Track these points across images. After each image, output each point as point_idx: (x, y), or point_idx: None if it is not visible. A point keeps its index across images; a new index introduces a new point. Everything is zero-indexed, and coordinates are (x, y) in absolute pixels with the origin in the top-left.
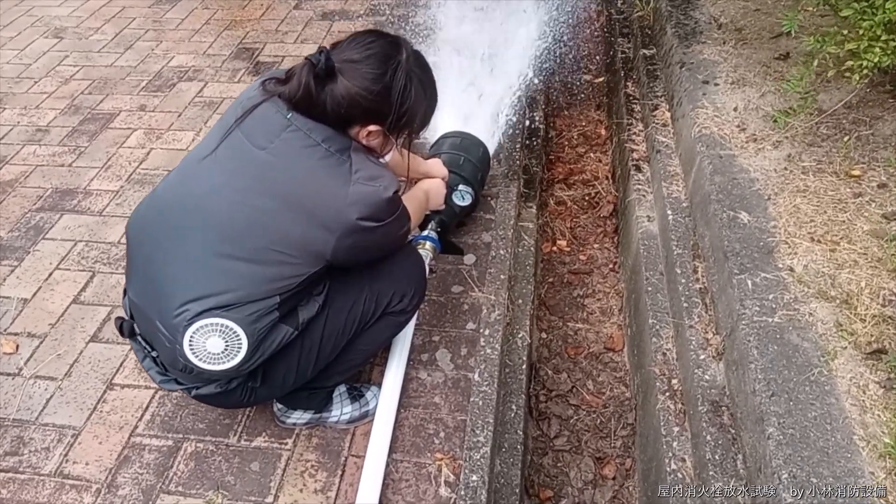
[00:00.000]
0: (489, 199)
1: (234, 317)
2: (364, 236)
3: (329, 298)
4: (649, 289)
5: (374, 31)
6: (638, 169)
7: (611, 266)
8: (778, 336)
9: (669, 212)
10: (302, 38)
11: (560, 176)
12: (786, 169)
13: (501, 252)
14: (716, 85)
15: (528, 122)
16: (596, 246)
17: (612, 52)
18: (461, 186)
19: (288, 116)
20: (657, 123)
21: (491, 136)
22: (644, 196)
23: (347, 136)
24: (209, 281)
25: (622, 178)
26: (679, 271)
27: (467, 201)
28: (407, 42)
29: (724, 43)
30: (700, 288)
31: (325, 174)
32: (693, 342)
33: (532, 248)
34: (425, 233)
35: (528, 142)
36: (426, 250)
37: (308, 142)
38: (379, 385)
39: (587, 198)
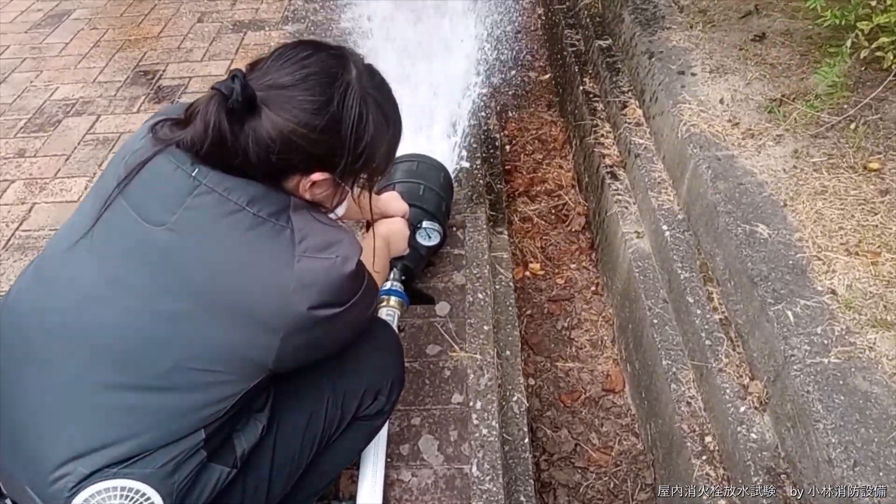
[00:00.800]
0: (454, 228)
1: (141, 473)
2: (320, 330)
3: (276, 415)
4: (654, 321)
5: (307, 41)
6: (614, 176)
7: (593, 288)
8: (841, 381)
9: (665, 227)
10: (210, 54)
11: (520, 188)
12: (795, 167)
13: (480, 296)
14: (693, 75)
15: (483, 131)
16: (573, 266)
17: (559, 47)
18: (425, 223)
19: (194, 174)
20: (629, 123)
21: (450, 151)
22: (627, 208)
23: (283, 192)
24: (99, 426)
25: (592, 186)
26: (691, 300)
27: (434, 239)
28: (354, 54)
29: (691, 27)
30: (720, 319)
31: (256, 252)
32: (727, 390)
33: (511, 284)
34: (388, 285)
35: (486, 154)
36: (392, 308)
37: (226, 207)
38: (352, 499)
39: (554, 211)
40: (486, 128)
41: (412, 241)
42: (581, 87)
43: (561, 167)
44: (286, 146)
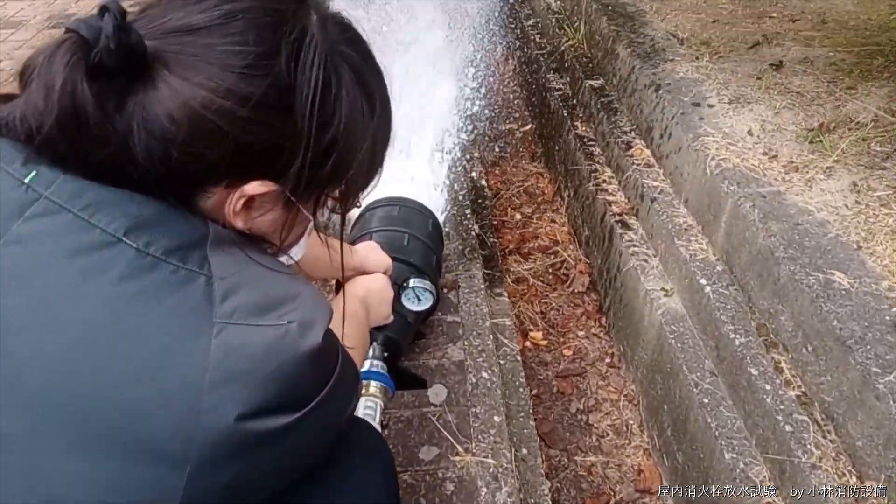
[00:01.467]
0: (444, 290)
1: None
2: (262, 456)
3: None
4: (704, 401)
5: None
6: (625, 226)
7: (608, 360)
8: None
9: (703, 280)
10: None
11: (510, 245)
12: (858, 203)
13: (485, 375)
14: (710, 106)
15: (468, 178)
16: (580, 334)
17: (541, 94)
18: (413, 281)
19: (26, 180)
20: (637, 164)
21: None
22: (647, 262)
23: (195, 216)
24: None
25: (596, 240)
26: (754, 372)
27: (425, 303)
28: None
29: (696, 58)
30: (797, 396)
31: (141, 317)
32: (828, 495)
33: (517, 358)
34: (366, 365)
35: (474, 204)
36: (372, 398)
37: (87, 238)
38: None
39: (552, 270)
40: (471, 175)
41: (397, 305)
42: (572, 133)
43: (554, 221)
44: (197, 133)
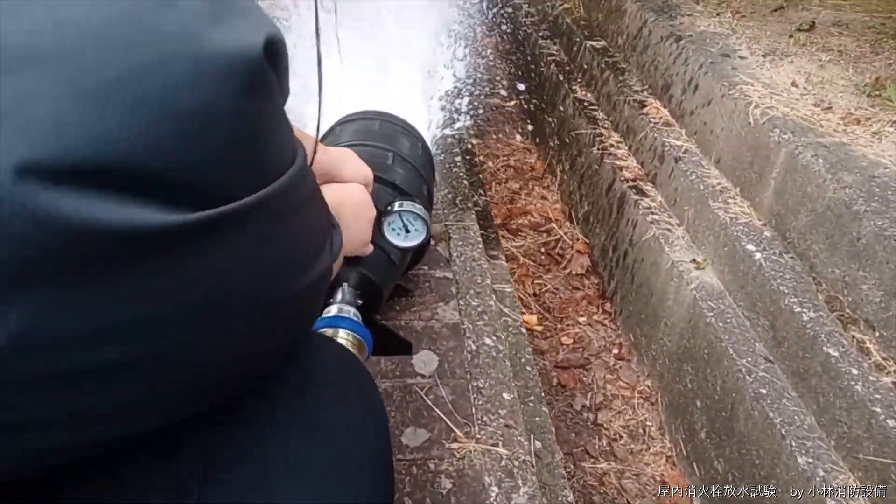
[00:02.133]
0: (431, 242)
1: None
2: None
3: None
4: (762, 391)
5: None
6: (640, 192)
7: (615, 351)
8: None
9: (751, 247)
10: None
11: (498, 220)
12: None
13: (488, 342)
14: (742, 58)
15: (456, 131)
16: (581, 320)
17: (531, 64)
18: (399, 204)
19: None
20: (655, 123)
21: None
22: (670, 231)
23: None
24: None
25: (600, 213)
26: (834, 353)
27: (416, 236)
28: None
29: (717, 15)
30: (894, 383)
31: None
32: None
33: (523, 330)
34: (333, 310)
35: (465, 159)
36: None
37: None
38: None
39: (545, 249)
40: (459, 132)
41: (377, 237)
42: (570, 98)
43: (545, 198)
44: None
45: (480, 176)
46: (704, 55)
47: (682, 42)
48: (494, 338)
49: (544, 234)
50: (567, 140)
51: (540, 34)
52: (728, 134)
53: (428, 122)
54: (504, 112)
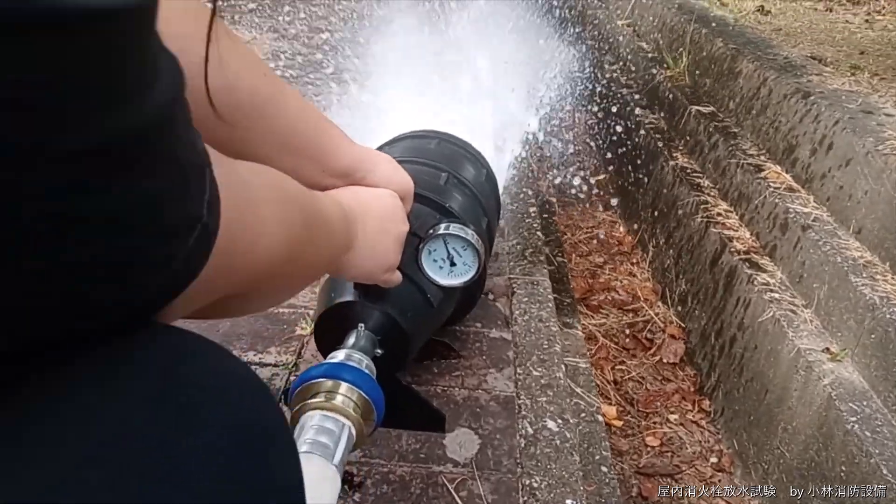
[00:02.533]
0: (489, 295)
1: None
2: None
3: None
4: None
5: None
6: (755, 267)
7: (714, 459)
8: None
9: None
10: None
11: (576, 294)
12: None
13: (552, 427)
14: (888, 115)
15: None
16: (672, 419)
17: (624, 135)
18: (446, 227)
19: None
20: (776, 188)
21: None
22: (795, 312)
23: None
24: None
25: (701, 292)
26: None
27: (464, 272)
28: None
29: (852, 74)
30: None
31: None
32: None
33: (599, 418)
34: (339, 356)
35: (542, 212)
36: (339, 417)
37: None
38: None
39: (630, 330)
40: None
41: (412, 268)
42: (669, 165)
43: (633, 275)
44: None
45: (559, 236)
46: (841, 111)
47: (812, 98)
48: (560, 421)
49: (630, 314)
50: (663, 211)
51: (636, 103)
52: (874, 198)
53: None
54: (590, 184)
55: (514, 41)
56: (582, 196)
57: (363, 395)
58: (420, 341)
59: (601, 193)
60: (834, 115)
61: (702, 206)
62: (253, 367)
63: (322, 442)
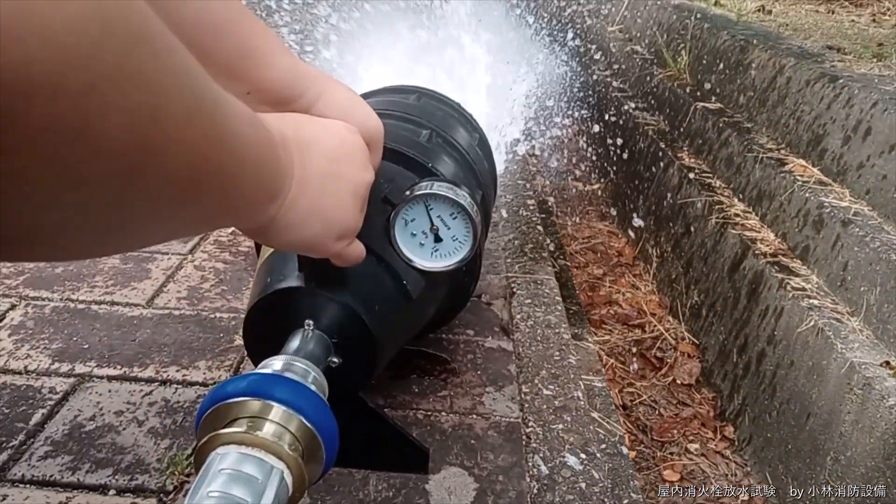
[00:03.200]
0: (482, 298)
1: None
2: None
3: None
4: None
5: None
6: (785, 270)
7: (745, 496)
8: None
9: None
10: None
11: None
12: None
13: (573, 464)
14: None
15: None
16: (692, 449)
17: (620, 141)
18: (429, 185)
19: None
20: (805, 182)
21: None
22: (840, 320)
23: None
24: None
25: (719, 303)
26: None
27: (455, 253)
28: None
29: (878, 60)
30: None
31: None
32: None
33: (623, 448)
34: (275, 365)
35: (540, 209)
36: (266, 455)
37: None
38: None
39: (638, 348)
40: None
41: (380, 243)
42: (676, 166)
43: (636, 287)
44: None
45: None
46: (878, 93)
47: (841, 82)
48: (584, 456)
49: (637, 331)
50: (668, 217)
51: (633, 106)
52: None
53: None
54: (584, 195)
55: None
56: (579, 201)
57: (305, 422)
58: (392, 347)
59: (596, 204)
60: (870, 96)
61: (716, 207)
62: (175, 388)
63: (235, 498)
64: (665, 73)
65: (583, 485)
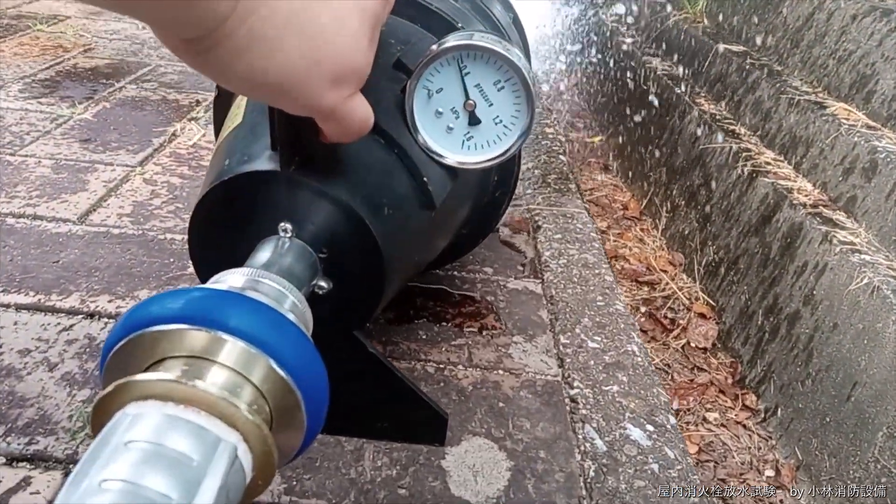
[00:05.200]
0: (503, 228)
1: None
2: None
3: None
4: None
5: None
6: (828, 223)
7: (769, 471)
8: None
9: None
10: None
11: None
12: None
13: (637, 437)
14: None
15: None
16: (711, 417)
17: (628, 88)
18: (469, 35)
19: None
20: (851, 125)
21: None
22: (894, 279)
23: None
24: None
25: (742, 260)
26: None
27: (505, 139)
28: None
29: None
30: None
31: None
32: None
33: (672, 422)
34: (231, 280)
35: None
36: (215, 432)
37: None
38: None
39: (648, 307)
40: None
41: (389, 121)
42: (695, 112)
43: (643, 242)
44: None
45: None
46: None
47: (895, 15)
48: (651, 428)
49: (646, 288)
50: (682, 168)
51: (645, 51)
52: None
53: None
54: (584, 148)
55: None
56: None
57: (276, 368)
58: (403, 271)
59: (600, 155)
60: None
61: (742, 155)
62: (104, 322)
63: (149, 493)
64: (681, 15)
65: (654, 466)
